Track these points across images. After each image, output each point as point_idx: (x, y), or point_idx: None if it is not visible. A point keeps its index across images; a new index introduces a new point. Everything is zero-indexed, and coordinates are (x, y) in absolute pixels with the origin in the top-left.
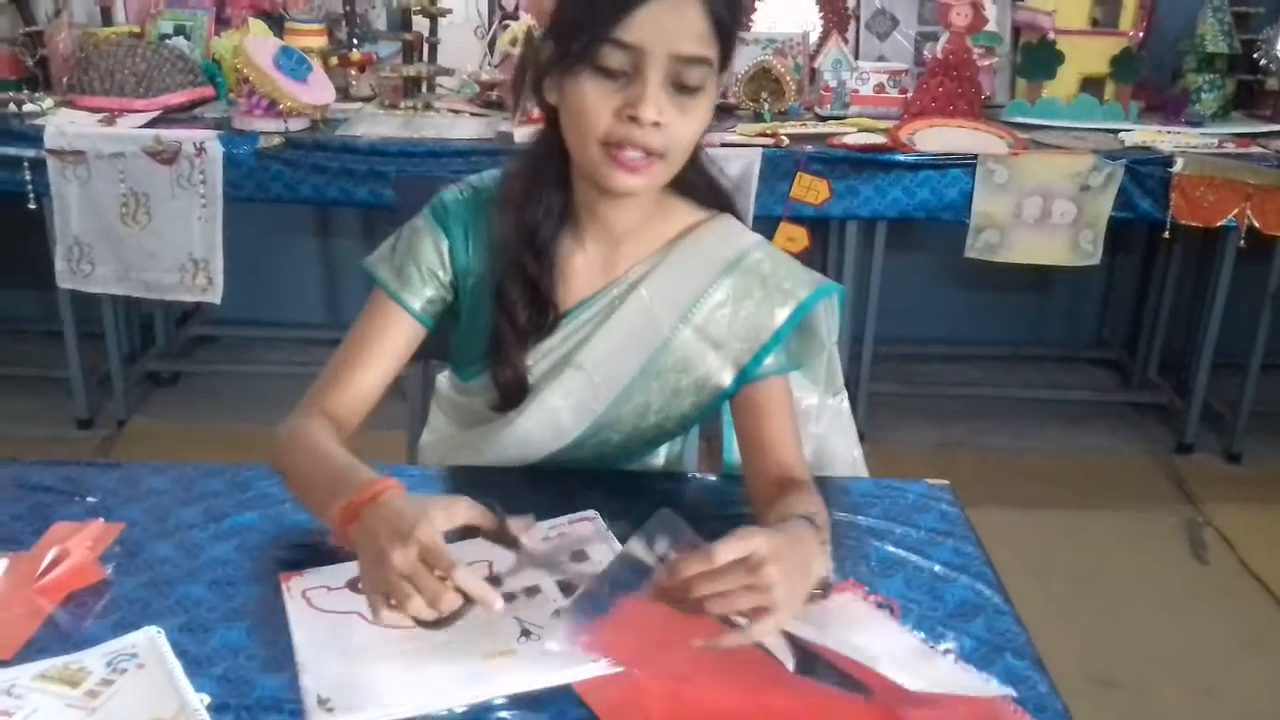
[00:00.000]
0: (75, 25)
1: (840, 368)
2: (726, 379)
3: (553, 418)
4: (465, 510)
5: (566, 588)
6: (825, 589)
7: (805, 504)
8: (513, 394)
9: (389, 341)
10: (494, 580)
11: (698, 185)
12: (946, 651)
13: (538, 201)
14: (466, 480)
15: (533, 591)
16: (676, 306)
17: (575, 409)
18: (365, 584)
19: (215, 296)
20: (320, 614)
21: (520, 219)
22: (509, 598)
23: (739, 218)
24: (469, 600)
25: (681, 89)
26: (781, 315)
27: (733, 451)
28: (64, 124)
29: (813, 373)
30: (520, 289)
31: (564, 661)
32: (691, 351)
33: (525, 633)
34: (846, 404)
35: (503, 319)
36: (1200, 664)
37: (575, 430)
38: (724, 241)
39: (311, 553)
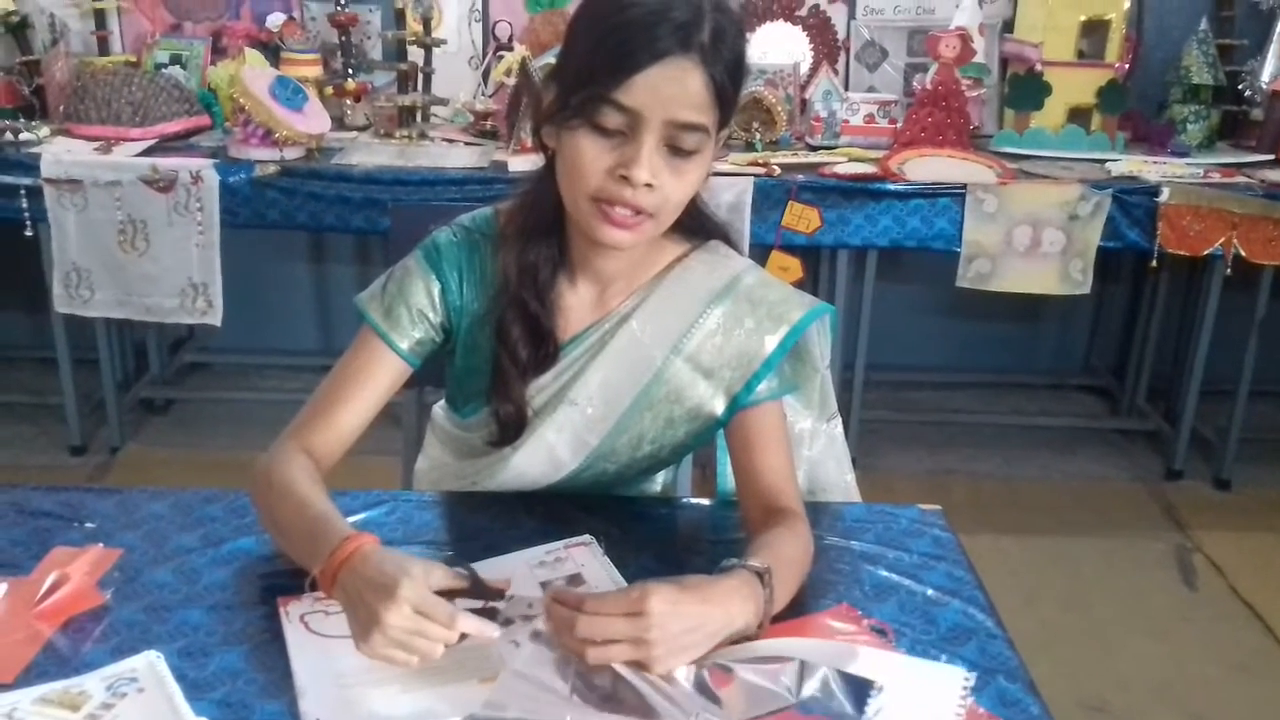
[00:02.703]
0: (72, 54)
1: (833, 392)
2: (719, 407)
3: (549, 452)
4: (441, 575)
5: None
6: (753, 638)
7: (775, 547)
8: (511, 429)
9: (374, 380)
10: (491, 612)
11: (685, 221)
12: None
13: (536, 243)
14: (463, 505)
15: (529, 616)
16: (667, 337)
17: (571, 443)
18: (364, 648)
19: (216, 319)
20: (318, 638)
21: (521, 260)
22: (506, 622)
23: (730, 244)
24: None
25: (676, 151)
26: (773, 341)
27: (727, 478)
28: (60, 152)
29: (806, 396)
30: (521, 327)
31: None
32: (684, 381)
33: None
34: (840, 429)
35: (505, 356)
36: (1190, 690)
37: (571, 464)
38: (713, 270)
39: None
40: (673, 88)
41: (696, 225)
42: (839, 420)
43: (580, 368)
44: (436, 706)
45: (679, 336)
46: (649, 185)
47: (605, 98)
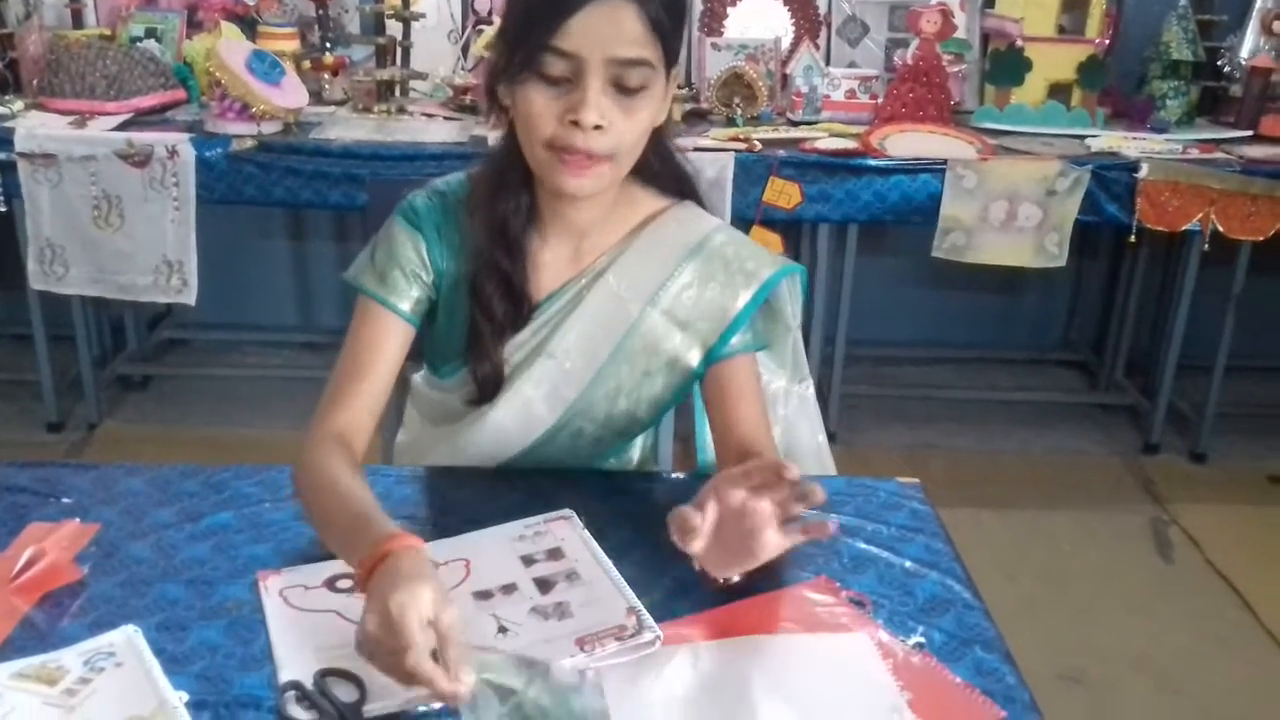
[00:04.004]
0: (46, 27)
1: (805, 355)
2: (694, 359)
3: (526, 407)
4: (447, 623)
5: (543, 584)
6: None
7: None
8: (489, 387)
9: (384, 348)
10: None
11: (661, 173)
12: (918, 645)
13: (505, 199)
14: (443, 480)
15: (509, 589)
16: (643, 291)
17: (548, 397)
18: (359, 643)
19: (190, 298)
20: (298, 612)
21: (490, 216)
22: (485, 595)
23: (701, 204)
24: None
25: (623, 90)
26: (745, 296)
27: (706, 450)
28: (34, 126)
29: (779, 356)
30: (494, 284)
31: (544, 656)
32: (659, 333)
33: (502, 629)
34: (812, 391)
35: (479, 314)
36: (1165, 661)
37: (549, 419)
38: (686, 227)
39: (288, 553)
40: (607, 27)
41: (672, 182)
42: (810, 383)
43: (558, 322)
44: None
45: (655, 290)
46: (599, 128)
47: (545, 45)
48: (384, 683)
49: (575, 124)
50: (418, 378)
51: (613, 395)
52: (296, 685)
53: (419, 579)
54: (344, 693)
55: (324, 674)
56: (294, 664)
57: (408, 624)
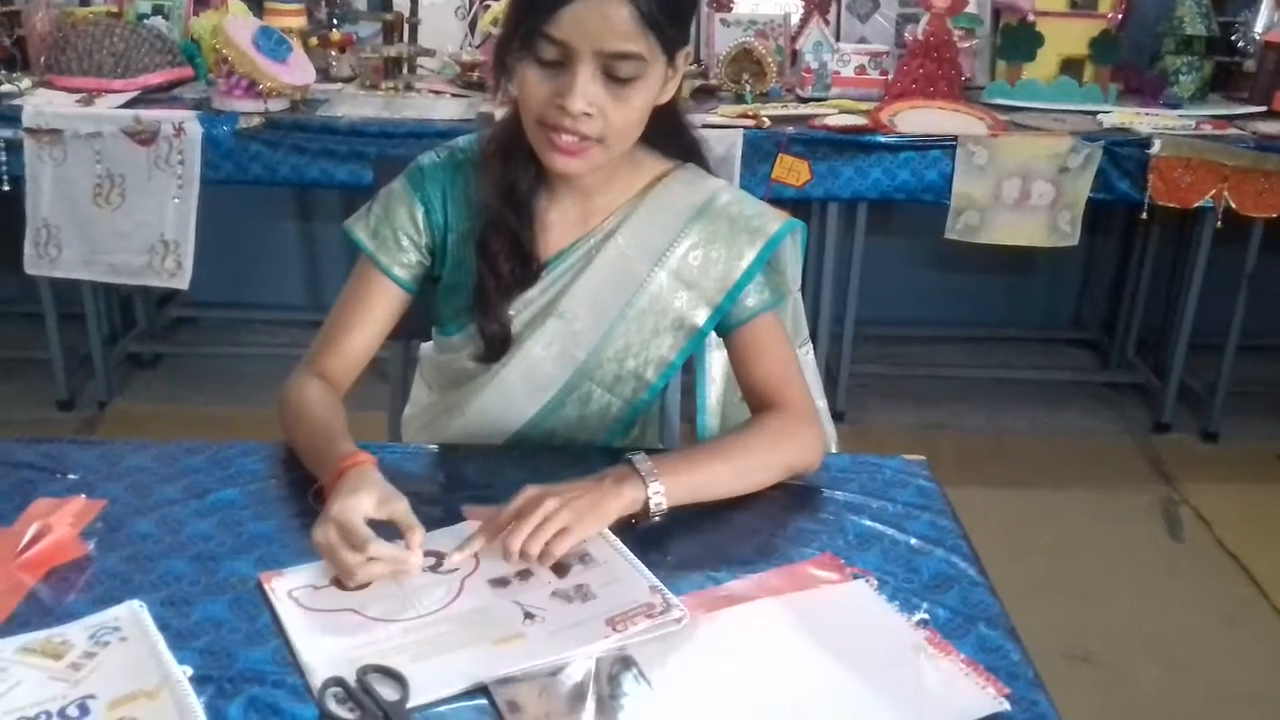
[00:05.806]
0: (53, 5)
1: (804, 318)
2: (700, 318)
3: (535, 368)
4: (400, 510)
5: (558, 568)
6: (643, 515)
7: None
8: (497, 345)
9: (372, 307)
10: (438, 557)
11: (667, 136)
12: (921, 622)
13: (514, 160)
14: (447, 458)
15: (525, 575)
16: (651, 251)
17: (558, 358)
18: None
19: (183, 282)
20: (314, 613)
21: (500, 175)
22: (502, 583)
23: (705, 167)
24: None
25: (614, 80)
26: (751, 254)
27: (705, 429)
28: (42, 104)
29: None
30: (501, 241)
31: (577, 639)
32: (667, 293)
33: (529, 616)
34: (811, 355)
35: (486, 271)
36: (1175, 640)
37: (558, 379)
38: (691, 188)
39: (292, 529)
40: (597, 20)
41: (676, 146)
42: (810, 347)
43: (567, 282)
44: (454, 670)
45: (662, 250)
46: (587, 114)
47: (539, 31)
48: (426, 679)
49: (562, 108)
50: (426, 347)
51: (621, 355)
52: (339, 682)
53: (360, 489)
54: (387, 690)
55: (366, 671)
56: (325, 666)
57: (351, 522)
